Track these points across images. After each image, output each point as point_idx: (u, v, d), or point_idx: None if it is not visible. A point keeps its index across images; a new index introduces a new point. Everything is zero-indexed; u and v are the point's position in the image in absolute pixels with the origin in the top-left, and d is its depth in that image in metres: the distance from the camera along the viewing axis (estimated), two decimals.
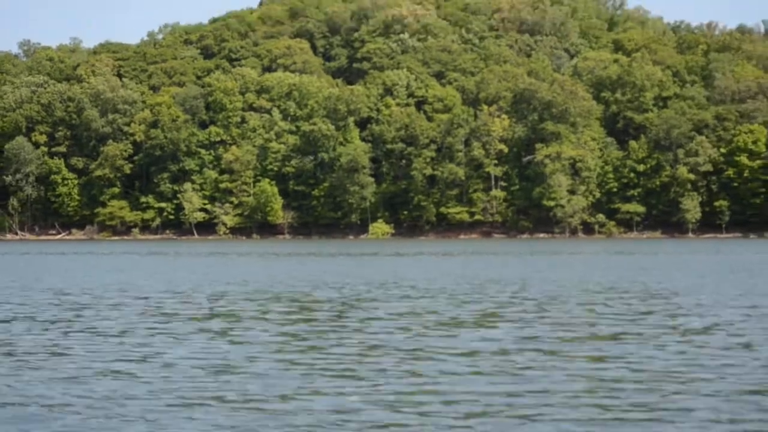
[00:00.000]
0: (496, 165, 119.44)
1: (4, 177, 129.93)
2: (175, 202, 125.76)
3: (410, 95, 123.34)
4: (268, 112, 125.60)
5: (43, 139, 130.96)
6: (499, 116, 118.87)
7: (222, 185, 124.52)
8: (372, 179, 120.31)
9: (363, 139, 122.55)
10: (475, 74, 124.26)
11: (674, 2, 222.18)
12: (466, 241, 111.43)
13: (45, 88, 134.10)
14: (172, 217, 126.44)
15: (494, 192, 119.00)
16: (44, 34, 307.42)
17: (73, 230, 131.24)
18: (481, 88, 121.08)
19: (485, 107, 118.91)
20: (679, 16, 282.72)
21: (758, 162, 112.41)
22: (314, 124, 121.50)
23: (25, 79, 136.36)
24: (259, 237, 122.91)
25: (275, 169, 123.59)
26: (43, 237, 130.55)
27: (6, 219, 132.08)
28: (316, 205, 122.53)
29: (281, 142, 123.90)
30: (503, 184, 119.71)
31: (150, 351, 15.49)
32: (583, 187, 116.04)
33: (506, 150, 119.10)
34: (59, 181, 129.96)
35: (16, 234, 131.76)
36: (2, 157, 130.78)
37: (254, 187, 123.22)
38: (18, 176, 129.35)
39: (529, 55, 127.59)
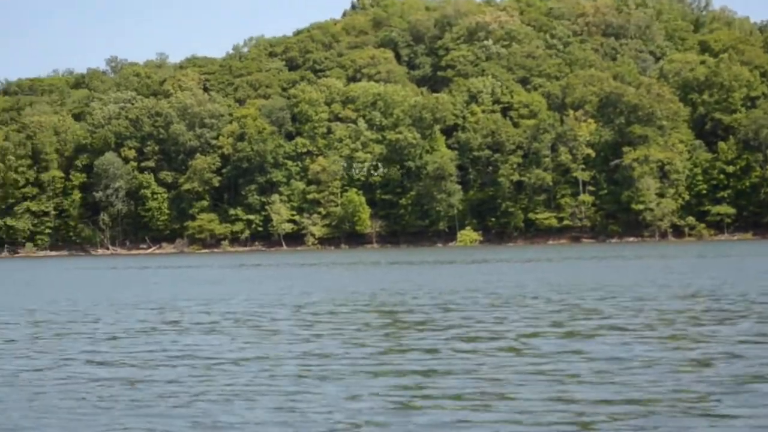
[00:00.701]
0: (583, 169, 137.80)
1: (95, 193, 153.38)
2: (263, 213, 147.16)
3: (495, 101, 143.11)
4: (354, 122, 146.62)
5: (132, 154, 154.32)
6: (585, 120, 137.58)
7: (309, 196, 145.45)
8: (459, 187, 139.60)
9: (449, 147, 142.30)
10: (560, 79, 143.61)
11: (761, 2, 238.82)
12: (556, 246, 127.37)
13: (133, 104, 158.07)
14: (260, 228, 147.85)
15: (582, 197, 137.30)
16: (131, 51, 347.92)
17: (164, 244, 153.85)
18: (567, 92, 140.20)
19: (571, 112, 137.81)
20: (765, 16, 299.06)
21: None
22: (400, 132, 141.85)
23: (113, 95, 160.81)
24: (347, 247, 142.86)
25: (362, 178, 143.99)
26: (133, 251, 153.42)
27: (97, 234, 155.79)
28: (404, 213, 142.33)
29: (367, 152, 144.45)
30: (591, 188, 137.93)
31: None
32: (672, 190, 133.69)
33: (593, 154, 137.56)
34: (149, 195, 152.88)
35: (108, 249, 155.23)
36: (92, 173, 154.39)
37: (341, 197, 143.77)
38: (108, 191, 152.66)
39: (614, 59, 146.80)
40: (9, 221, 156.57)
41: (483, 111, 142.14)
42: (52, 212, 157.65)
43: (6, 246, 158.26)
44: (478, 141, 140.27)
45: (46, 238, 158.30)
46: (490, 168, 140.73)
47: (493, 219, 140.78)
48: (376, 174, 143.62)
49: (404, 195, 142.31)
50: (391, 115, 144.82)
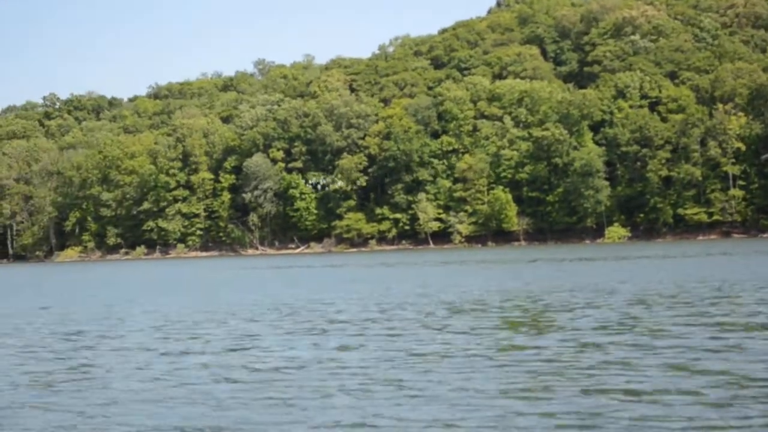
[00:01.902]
0: (733, 163, 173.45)
1: (244, 194, 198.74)
2: (410, 212, 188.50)
3: (643, 96, 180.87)
4: (500, 119, 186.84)
5: (280, 155, 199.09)
6: (735, 114, 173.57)
7: (456, 194, 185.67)
8: (607, 183, 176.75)
9: (596, 143, 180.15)
10: (710, 72, 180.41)
11: None
12: (706, 242, 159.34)
13: (280, 105, 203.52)
14: (407, 227, 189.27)
15: (732, 191, 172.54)
16: (278, 53, 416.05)
17: (312, 243, 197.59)
18: (716, 86, 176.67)
19: (720, 105, 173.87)
20: None
21: None
22: (546, 129, 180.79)
23: (261, 98, 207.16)
24: (494, 245, 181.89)
25: (508, 176, 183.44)
26: (282, 251, 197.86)
27: (246, 234, 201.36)
28: (551, 210, 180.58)
29: (514, 149, 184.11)
30: (741, 182, 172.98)
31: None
32: None
33: (743, 148, 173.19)
34: (297, 195, 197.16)
35: (257, 249, 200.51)
36: (241, 175, 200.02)
37: (488, 194, 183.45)
38: (257, 192, 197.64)
39: (764, 51, 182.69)
40: (161, 223, 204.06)
41: (630, 106, 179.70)
42: (203, 213, 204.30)
43: (158, 247, 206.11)
44: (626, 136, 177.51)
45: (196, 239, 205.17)
46: (638, 163, 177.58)
47: (641, 215, 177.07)
48: (522, 171, 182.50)
49: (551, 192, 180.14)
50: (537, 112, 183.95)
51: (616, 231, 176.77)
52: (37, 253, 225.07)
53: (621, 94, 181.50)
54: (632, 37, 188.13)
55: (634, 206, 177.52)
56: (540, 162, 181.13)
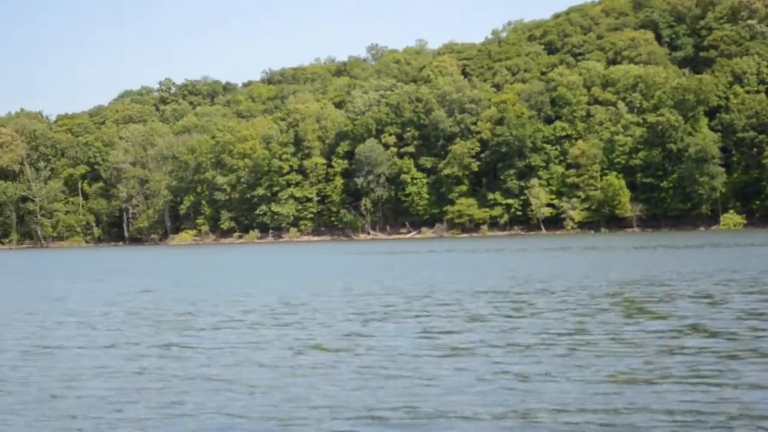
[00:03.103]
0: None
1: (356, 179, 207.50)
2: (522, 198, 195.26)
3: (761, 82, 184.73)
4: (614, 104, 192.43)
5: (392, 140, 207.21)
6: None
7: (569, 180, 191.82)
8: (722, 169, 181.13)
9: (712, 129, 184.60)
10: None
11: None
12: None
13: (393, 91, 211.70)
14: (519, 213, 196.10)
15: None
16: (391, 38, 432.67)
17: (423, 229, 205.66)
18: None
19: None
20: None
21: None
22: (661, 115, 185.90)
23: (373, 83, 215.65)
24: (607, 231, 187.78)
25: (622, 162, 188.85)
26: (393, 236, 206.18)
27: (359, 219, 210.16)
28: (665, 197, 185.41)
29: (628, 135, 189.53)
30: None
31: None
32: None
33: None
34: (409, 180, 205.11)
35: (368, 234, 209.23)
36: (354, 160, 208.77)
37: (601, 180, 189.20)
38: (369, 177, 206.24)
39: None
40: (274, 207, 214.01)
41: (747, 92, 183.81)
42: (315, 198, 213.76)
43: (271, 231, 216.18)
44: (742, 122, 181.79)
45: (309, 224, 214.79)
46: (755, 150, 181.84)
47: (757, 202, 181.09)
48: (636, 157, 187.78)
49: (665, 178, 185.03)
50: (651, 98, 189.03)
51: (731, 218, 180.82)
52: (152, 236, 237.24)
53: (737, 79, 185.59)
54: (749, 22, 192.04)
55: (750, 193, 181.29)
56: (654, 148, 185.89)
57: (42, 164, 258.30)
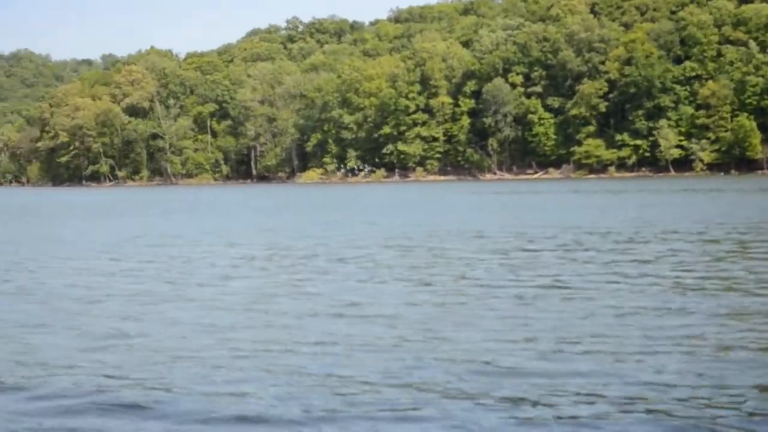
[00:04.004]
0: None
1: (483, 119, 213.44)
2: (650, 139, 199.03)
3: None
4: (745, 44, 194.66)
5: (519, 80, 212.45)
6: None
7: (698, 121, 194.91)
8: None
9: None
10: None
11: None
12: None
13: (521, 30, 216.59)
14: (647, 154, 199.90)
15: None
16: None
17: (550, 169, 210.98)
18: None
19: None
20: None
21: None
22: None
23: (501, 22, 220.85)
24: (737, 173, 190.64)
25: (753, 103, 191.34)
26: (520, 176, 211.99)
27: (485, 159, 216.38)
28: None
29: (759, 75, 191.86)
30: None
31: None
32: None
33: None
34: (536, 120, 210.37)
35: (494, 174, 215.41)
36: (480, 99, 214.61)
37: (732, 122, 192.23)
38: (497, 117, 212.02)
39: None
40: (401, 146, 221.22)
41: None
42: (441, 138, 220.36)
43: (397, 170, 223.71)
44: None
45: (435, 163, 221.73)
46: None
47: None
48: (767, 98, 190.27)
49: None
50: None
51: None
52: (280, 174, 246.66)
53: None
54: None
55: None
56: None
57: (171, 102, 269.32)
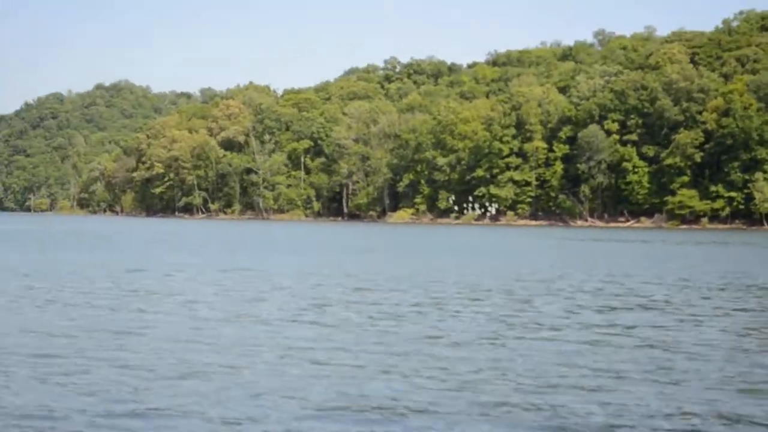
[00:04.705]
0: None
1: (577, 165, 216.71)
2: (745, 191, 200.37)
3: None
4: None
5: (615, 127, 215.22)
6: None
7: None
8: None
9: None
10: None
11: None
12: None
13: (618, 77, 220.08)
14: (741, 206, 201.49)
15: None
16: (619, 23, 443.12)
17: (642, 218, 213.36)
18: None
19: None
20: None
21: None
22: None
23: (598, 68, 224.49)
24: None
25: None
26: (611, 224, 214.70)
27: (577, 206, 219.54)
28: None
29: None
30: None
31: None
32: None
33: None
34: (630, 168, 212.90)
35: (586, 220, 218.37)
36: (575, 145, 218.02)
37: None
38: (591, 164, 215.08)
39: None
40: (492, 189, 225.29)
41: None
42: (534, 182, 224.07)
43: (488, 213, 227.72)
44: None
45: (526, 207, 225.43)
46: None
47: None
48: None
49: None
50: None
51: None
52: (371, 212, 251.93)
53: None
54: None
55: None
56: None
57: (267, 137, 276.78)
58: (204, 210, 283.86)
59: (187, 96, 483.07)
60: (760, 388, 21.14)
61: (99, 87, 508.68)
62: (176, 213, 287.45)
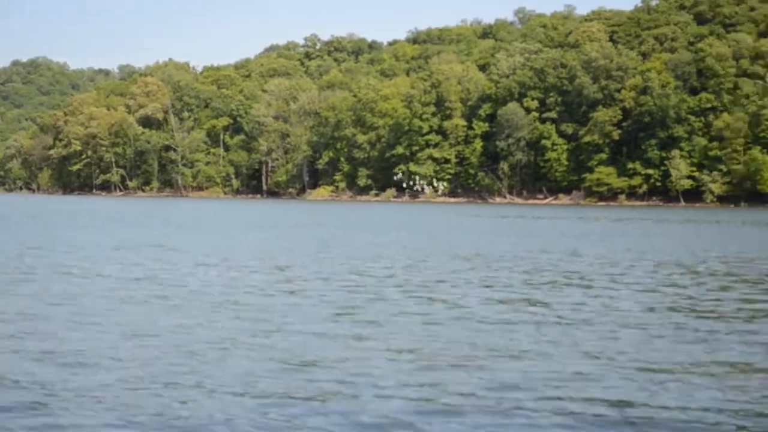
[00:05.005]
0: None
1: (497, 142, 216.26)
2: (662, 168, 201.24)
3: None
4: (762, 78, 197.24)
5: (534, 105, 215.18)
6: None
7: (711, 152, 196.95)
8: None
9: None
10: None
11: None
12: None
13: (538, 55, 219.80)
14: (658, 184, 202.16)
15: None
16: (539, 1, 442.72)
17: (560, 195, 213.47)
18: None
19: None
20: None
21: None
22: None
23: (518, 46, 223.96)
24: (747, 206, 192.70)
25: (767, 136, 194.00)
26: (530, 201, 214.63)
27: (496, 183, 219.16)
28: None
29: None
30: None
31: None
32: None
33: None
34: (549, 146, 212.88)
35: (505, 197, 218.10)
36: (494, 123, 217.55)
37: (745, 154, 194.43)
38: (510, 141, 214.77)
39: None
40: (412, 167, 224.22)
41: None
42: (454, 159, 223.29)
43: (407, 190, 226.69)
44: None
45: (446, 185, 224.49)
46: None
47: None
48: None
49: None
50: None
51: None
52: (290, 190, 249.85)
53: None
54: None
55: None
56: None
57: (186, 114, 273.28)
58: (122, 187, 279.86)
59: (106, 73, 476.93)
60: (654, 368, 19.51)
61: (16, 63, 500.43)
62: (94, 191, 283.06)
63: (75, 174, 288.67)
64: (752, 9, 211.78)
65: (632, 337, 22.76)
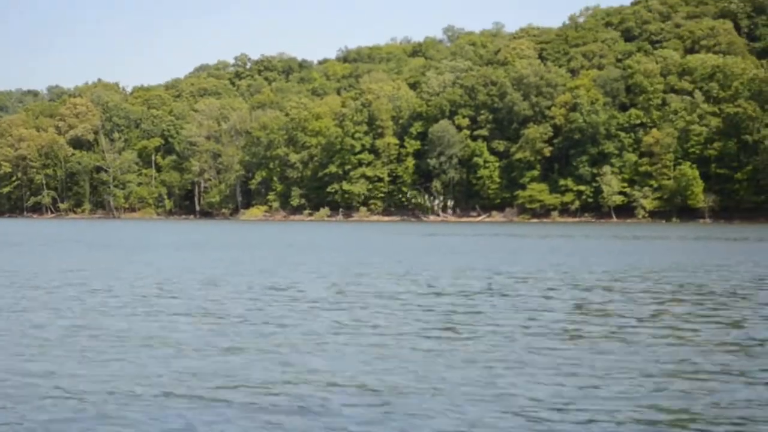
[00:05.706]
0: None
1: (429, 160, 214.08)
2: (593, 185, 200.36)
3: None
4: (690, 94, 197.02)
5: (465, 122, 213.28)
6: None
7: (641, 168, 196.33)
8: None
9: None
10: None
11: None
12: None
13: (468, 73, 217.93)
14: (590, 200, 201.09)
15: None
16: (468, 20, 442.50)
17: (493, 213, 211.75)
18: None
19: None
20: None
21: None
22: (738, 106, 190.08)
23: (448, 64, 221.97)
24: (678, 221, 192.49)
25: (696, 152, 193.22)
26: (463, 219, 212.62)
27: (429, 201, 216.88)
28: (739, 189, 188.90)
29: (703, 125, 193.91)
30: None
31: None
32: None
33: None
34: (480, 163, 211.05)
35: (438, 215, 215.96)
36: (426, 141, 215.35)
37: (675, 170, 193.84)
38: (442, 159, 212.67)
39: None
40: (345, 186, 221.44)
41: None
42: (386, 178, 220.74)
43: (341, 210, 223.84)
44: None
45: (379, 203, 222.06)
46: None
47: None
48: (711, 147, 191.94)
49: (740, 170, 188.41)
50: (729, 88, 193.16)
51: None
52: (223, 210, 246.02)
53: None
54: None
55: None
56: (729, 139, 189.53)
57: (116, 135, 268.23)
58: (53, 209, 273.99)
59: (34, 94, 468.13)
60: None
61: None
62: (25, 213, 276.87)
63: (5, 196, 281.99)
64: (678, 26, 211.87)
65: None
